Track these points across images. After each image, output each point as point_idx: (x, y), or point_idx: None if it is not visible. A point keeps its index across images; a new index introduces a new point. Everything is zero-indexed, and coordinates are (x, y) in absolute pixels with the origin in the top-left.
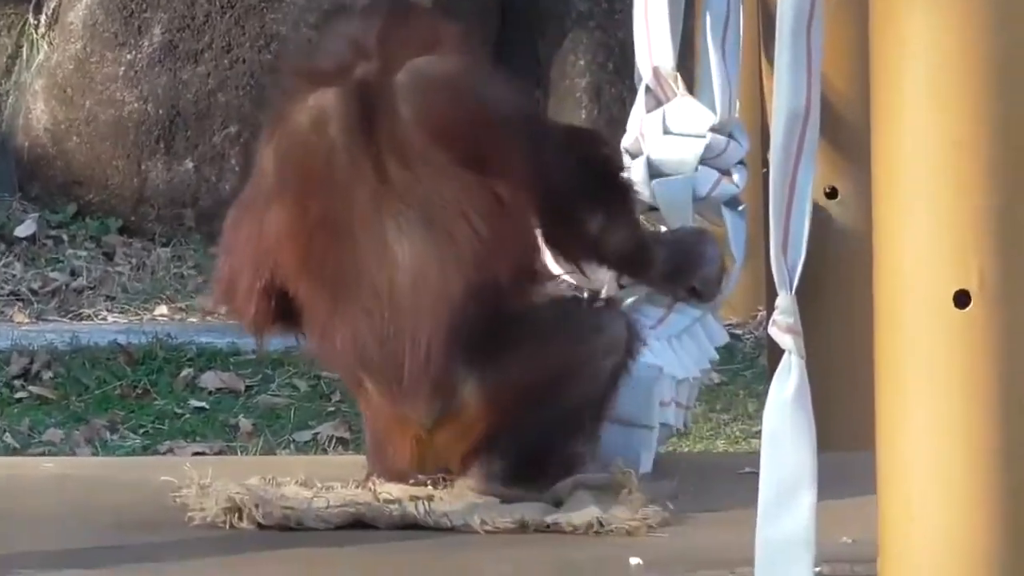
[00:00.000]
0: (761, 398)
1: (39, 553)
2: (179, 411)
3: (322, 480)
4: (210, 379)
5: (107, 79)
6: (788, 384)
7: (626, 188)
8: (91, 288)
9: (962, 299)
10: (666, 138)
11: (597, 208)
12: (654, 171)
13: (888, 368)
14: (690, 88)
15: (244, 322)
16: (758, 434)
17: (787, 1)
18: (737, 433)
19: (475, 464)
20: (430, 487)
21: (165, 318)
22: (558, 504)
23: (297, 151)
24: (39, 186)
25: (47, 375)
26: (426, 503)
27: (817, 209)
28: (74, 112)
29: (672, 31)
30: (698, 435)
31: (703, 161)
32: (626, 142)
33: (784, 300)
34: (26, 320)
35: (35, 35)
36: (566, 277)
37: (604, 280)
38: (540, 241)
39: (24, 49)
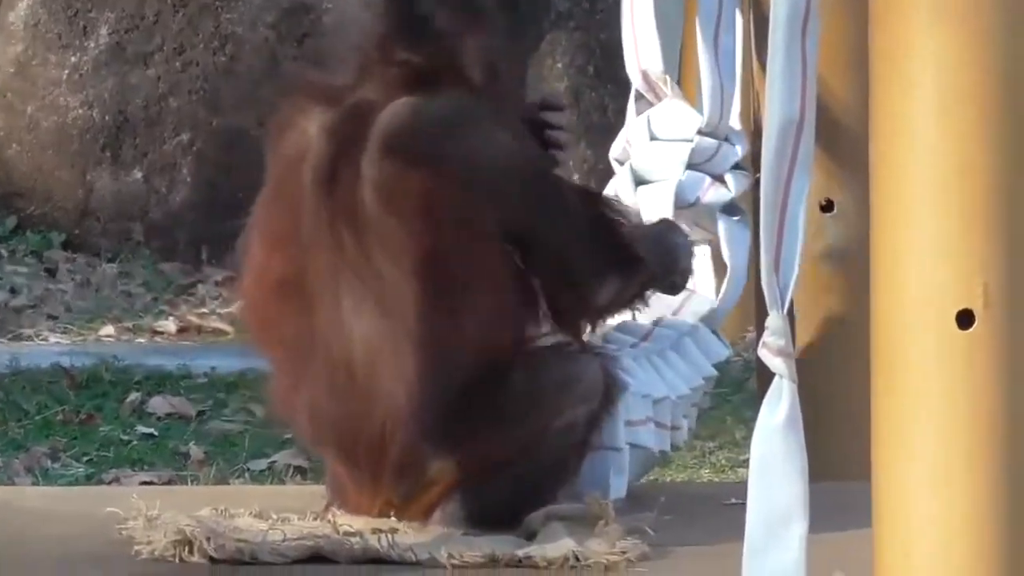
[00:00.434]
0: (749, 424)
1: None
2: (126, 438)
3: (278, 511)
4: (159, 404)
5: (50, 83)
6: (779, 410)
7: (637, 260)
8: (32, 307)
9: (965, 319)
10: (652, 144)
11: (605, 278)
12: (639, 178)
13: (886, 393)
14: (691, 94)
15: None
16: (746, 463)
17: (781, 2)
18: (723, 461)
19: (442, 510)
20: (394, 519)
21: (111, 339)
22: (530, 537)
23: (277, 186)
24: None
25: None
26: (389, 536)
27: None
28: (14, 119)
29: (662, 32)
30: (681, 463)
31: (692, 166)
32: (615, 151)
33: (775, 320)
34: None
35: None
36: None
37: None
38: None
39: None
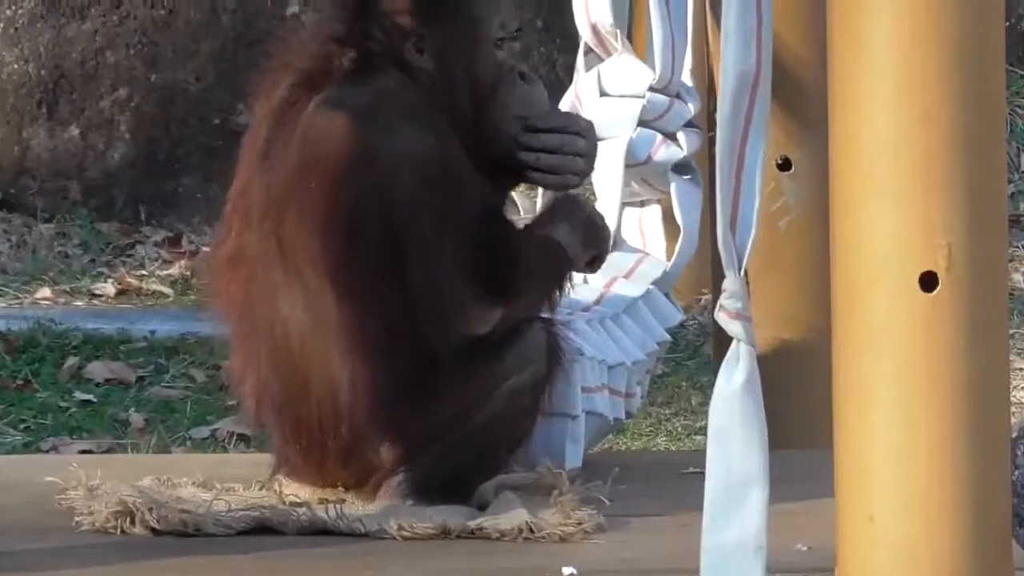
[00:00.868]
0: (706, 390)
1: None
2: (64, 404)
3: (222, 481)
4: (98, 369)
5: None
6: (736, 375)
7: (516, 289)
8: None
9: (929, 281)
10: (602, 100)
11: (466, 308)
12: None
13: (847, 357)
14: (643, 49)
15: None
16: (703, 430)
17: None
18: (680, 429)
19: (389, 484)
20: (341, 489)
21: (48, 302)
22: (483, 507)
23: (244, 160)
24: None
25: None
26: (337, 507)
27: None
28: None
29: None
30: (637, 431)
31: (643, 123)
32: (564, 107)
33: (733, 283)
34: None
35: None
36: None
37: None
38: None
39: None
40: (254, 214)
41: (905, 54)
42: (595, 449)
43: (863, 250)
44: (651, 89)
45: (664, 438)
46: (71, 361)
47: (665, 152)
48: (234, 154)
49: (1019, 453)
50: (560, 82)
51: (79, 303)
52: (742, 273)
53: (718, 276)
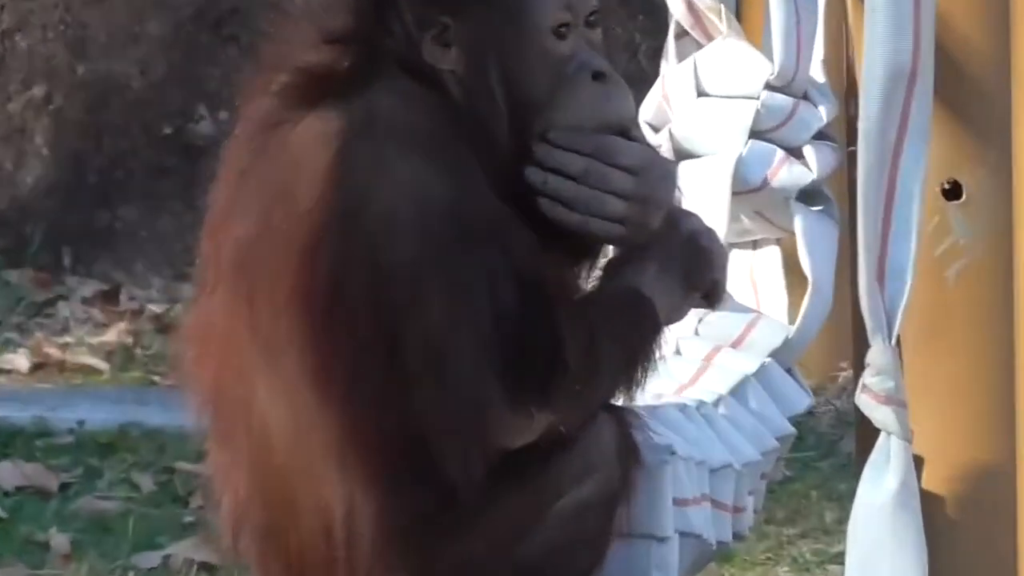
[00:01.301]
0: (845, 503)
1: None
2: None
3: None
4: (7, 473)
5: None
6: (886, 481)
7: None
8: None
9: None
10: (700, 102)
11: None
12: (681, 150)
13: None
14: (757, 32)
15: None
16: (840, 557)
17: None
18: (808, 555)
19: None
20: None
21: None
22: None
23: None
24: None
25: None
26: None
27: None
28: None
29: None
30: (749, 558)
31: (758, 134)
32: (647, 111)
33: (880, 354)
34: None
35: None
36: None
37: None
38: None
39: None
40: (224, 265)
41: None
42: None
43: None
44: (768, 87)
45: (787, 567)
46: None
47: (787, 174)
48: (192, 176)
49: None
50: (644, 75)
51: None
52: (893, 341)
53: (860, 345)
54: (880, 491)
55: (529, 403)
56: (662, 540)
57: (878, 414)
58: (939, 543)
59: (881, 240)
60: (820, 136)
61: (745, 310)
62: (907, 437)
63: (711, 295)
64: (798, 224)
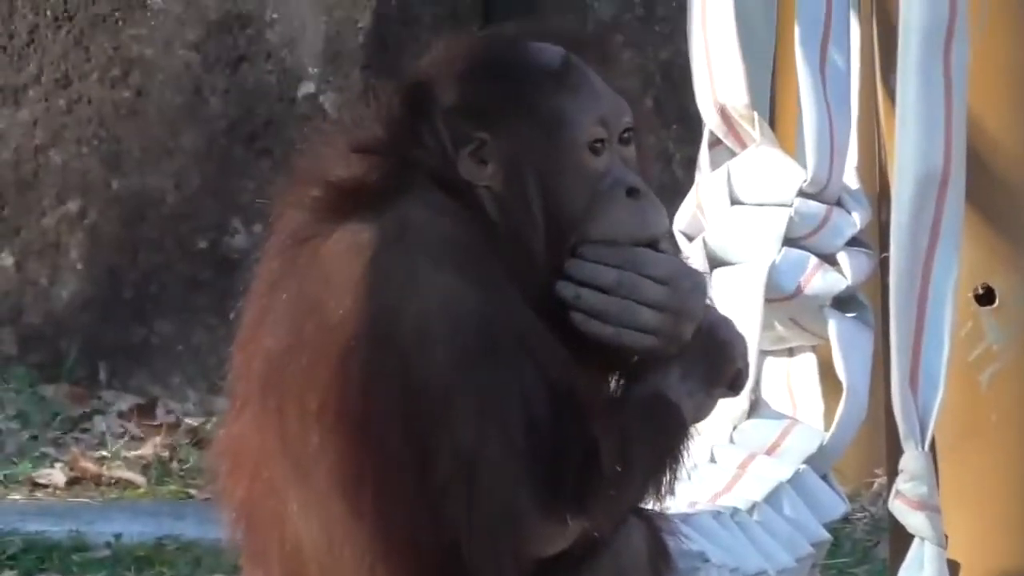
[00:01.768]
0: None
1: None
2: None
3: None
4: None
5: None
6: None
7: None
8: None
9: None
10: (734, 210)
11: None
12: (715, 258)
13: None
14: (790, 139)
15: None
16: None
17: (915, 7)
18: None
19: None
20: None
21: None
22: None
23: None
24: None
25: None
26: None
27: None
28: None
29: (748, 50)
30: None
31: (791, 241)
32: (681, 220)
33: (914, 460)
34: None
35: None
36: None
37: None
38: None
39: None
40: (255, 378)
41: None
42: None
43: None
44: (801, 194)
45: None
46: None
47: (821, 281)
48: (227, 289)
49: None
50: (677, 184)
51: (16, 496)
52: (927, 446)
53: (895, 451)
54: None
55: (564, 509)
56: None
57: (912, 520)
58: None
59: (914, 346)
60: (854, 242)
61: (780, 417)
62: (941, 543)
63: (735, 384)
64: (832, 331)
